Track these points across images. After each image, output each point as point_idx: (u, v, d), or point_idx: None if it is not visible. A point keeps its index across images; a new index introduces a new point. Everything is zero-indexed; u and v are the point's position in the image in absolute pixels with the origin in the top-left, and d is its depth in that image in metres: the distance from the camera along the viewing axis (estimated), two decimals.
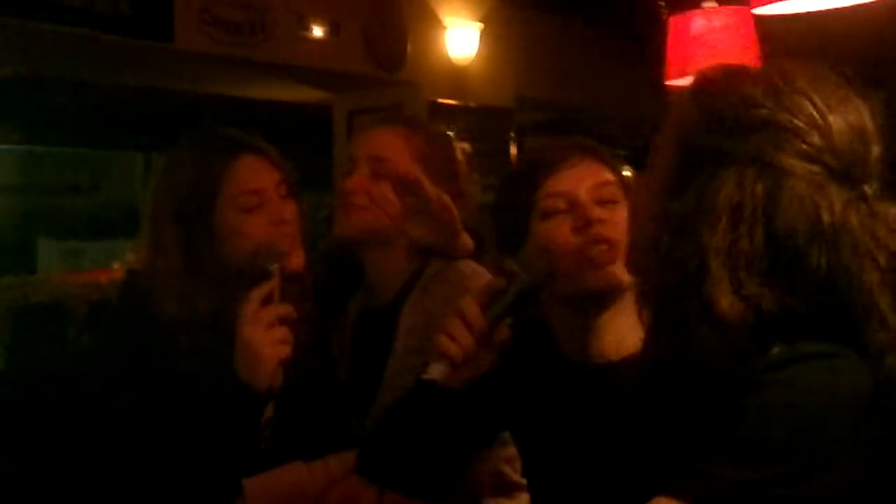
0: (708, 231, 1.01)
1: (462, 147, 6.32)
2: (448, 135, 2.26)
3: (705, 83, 1.12)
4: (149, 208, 1.79)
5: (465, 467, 1.68)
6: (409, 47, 5.96)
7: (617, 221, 1.45)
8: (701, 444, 1.00)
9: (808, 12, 2.71)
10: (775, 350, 1.00)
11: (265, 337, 1.60)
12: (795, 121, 1.03)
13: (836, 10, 2.65)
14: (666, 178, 1.09)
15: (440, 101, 6.19)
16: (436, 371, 1.34)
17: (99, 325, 1.81)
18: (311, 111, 6.75)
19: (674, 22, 3.27)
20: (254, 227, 1.74)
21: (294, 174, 1.84)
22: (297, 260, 1.76)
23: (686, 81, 3.26)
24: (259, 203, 1.75)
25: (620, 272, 1.44)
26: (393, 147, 1.91)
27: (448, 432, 1.50)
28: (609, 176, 1.49)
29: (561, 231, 1.44)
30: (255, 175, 1.77)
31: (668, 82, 3.38)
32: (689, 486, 0.99)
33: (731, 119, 1.05)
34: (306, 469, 1.67)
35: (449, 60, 6.23)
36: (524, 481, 1.73)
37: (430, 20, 6.15)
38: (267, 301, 1.62)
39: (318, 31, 5.47)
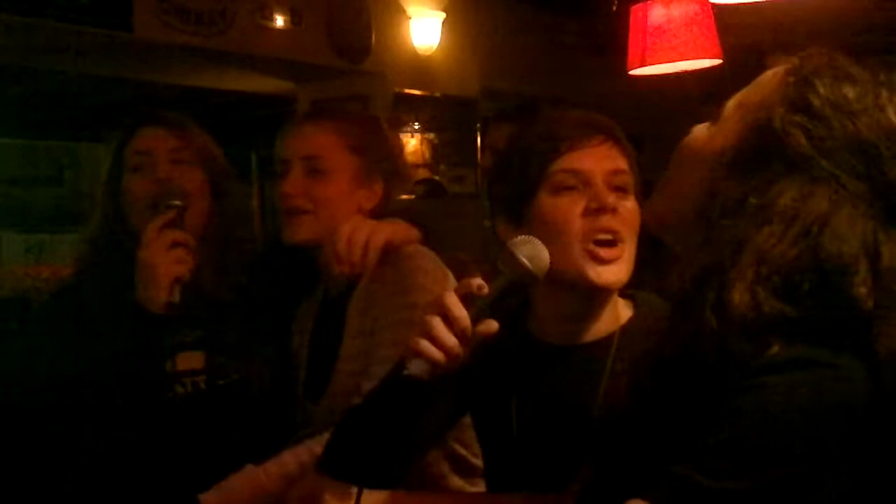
0: (754, 228, 0.98)
1: (428, 138, 6.31)
2: (377, 117, 2.25)
3: (809, 70, 1.04)
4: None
5: (427, 453, 1.68)
6: (372, 37, 5.93)
7: (627, 213, 1.43)
8: (684, 443, 0.97)
9: (768, 2, 2.73)
10: (773, 350, 0.96)
11: (162, 257, 1.78)
12: (881, 145, 0.99)
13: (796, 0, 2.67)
14: (732, 153, 1.04)
15: (405, 91, 6.17)
16: (416, 367, 1.29)
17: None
18: (274, 101, 6.70)
19: (634, 11, 3.28)
20: (137, 185, 1.94)
21: (202, 144, 2.01)
22: (187, 219, 1.89)
23: (647, 71, 3.28)
24: (142, 164, 1.95)
25: (620, 273, 1.42)
26: (327, 143, 1.91)
27: (419, 423, 1.50)
28: (624, 164, 1.47)
29: (571, 210, 1.42)
30: (145, 140, 1.97)
31: (630, 71, 3.39)
32: (669, 493, 0.96)
33: (822, 125, 0.99)
34: (261, 472, 1.67)
35: (413, 50, 6.21)
36: (481, 465, 1.74)
37: (393, 10, 6.11)
38: (166, 228, 1.81)
39: (279, 21, 5.43)
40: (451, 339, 1.29)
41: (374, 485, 1.44)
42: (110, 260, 1.89)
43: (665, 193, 1.20)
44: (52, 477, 1.75)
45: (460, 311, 1.29)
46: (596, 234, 1.41)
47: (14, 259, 7.22)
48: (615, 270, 1.41)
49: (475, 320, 1.30)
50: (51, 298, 2.04)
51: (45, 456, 1.74)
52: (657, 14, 3.15)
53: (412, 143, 6.28)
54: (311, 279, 2.04)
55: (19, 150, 8.37)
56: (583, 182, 1.43)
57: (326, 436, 1.61)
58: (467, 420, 1.68)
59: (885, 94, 1.02)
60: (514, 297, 1.47)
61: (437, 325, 1.29)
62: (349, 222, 1.80)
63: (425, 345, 1.28)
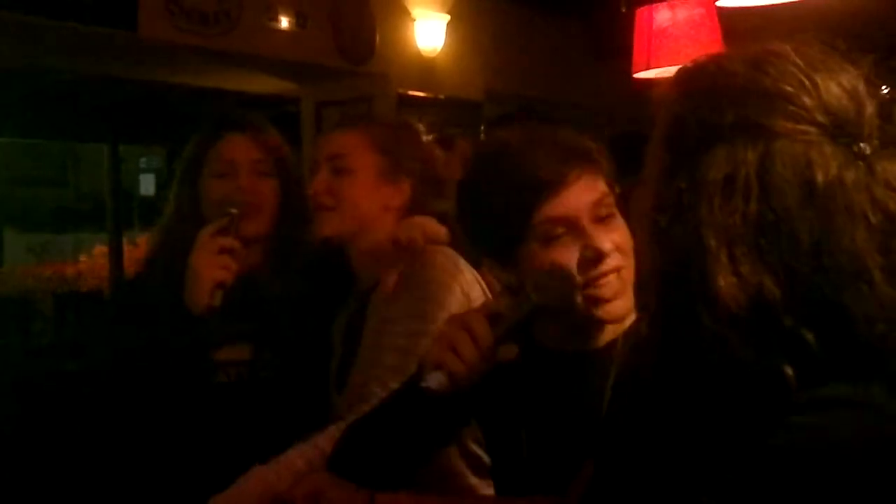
0: (705, 207, 0.94)
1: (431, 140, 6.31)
2: (410, 124, 2.29)
3: (686, 69, 1.05)
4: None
5: (436, 457, 1.68)
6: (377, 39, 5.93)
7: (620, 240, 1.39)
8: (702, 469, 0.93)
9: (774, 5, 2.73)
10: (801, 393, 0.90)
11: (207, 261, 1.87)
12: (781, 84, 0.96)
13: (803, 3, 2.67)
14: (659, 170, 1.02)
15: (409, 93, 6.17)
16: (434, 381, 1.28)
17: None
18: (279, 102, 6.71)
19: (639, 14, 3.28)
20: (218, 190, 2.03)
21: (280, 155, 2.11)
22: (254, 226, 2.02)
23: (652, 74, 3.28)
24: (228, 172, 2.03)
25: (627, 302, 1.39)
26: (352, 143, 1.97)
27: (431, 430, 1.50)
28: (604, 186, 1.41)
29: (566, 262, 1.36)
30: (231, 149, 2.06)
31: (635, 75, 3.38)
32: None
33: (714, 91, 0.98)
34: (271, 472, 1.67)
35: (417, 52, 6.21)
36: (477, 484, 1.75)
37: (398, 12, 6.12)
38: (218, 234, 1.90)
39: (285, 22, 5.43)
40: (474, 356, 1.28)
41: (382, 486, 1.44)
42: (180, 254, 1.95)
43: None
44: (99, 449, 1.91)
45: (484, 330, 1.28)
46: (597, 280, 1.37)
47: (16, 258, 7.24)
48: (621, 305, 1.38)
49: (499, 341, 1.29)
50: (126, 285, 2.25)
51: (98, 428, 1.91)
52: (662, 17, 3.15)
53: None
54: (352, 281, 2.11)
55: (23, 149, 8.39)
56: (571, 227, 1.37)
57: (333, 431, 1.63)
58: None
59: (767, 55, 1.00)
60: (538, 320, 1.43)
61: (462, 339, 1.28)
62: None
63: (449, 358, 1.27)
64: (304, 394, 2.00)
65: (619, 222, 1.41)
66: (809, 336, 0.90)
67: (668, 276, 0.97)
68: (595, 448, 1.31)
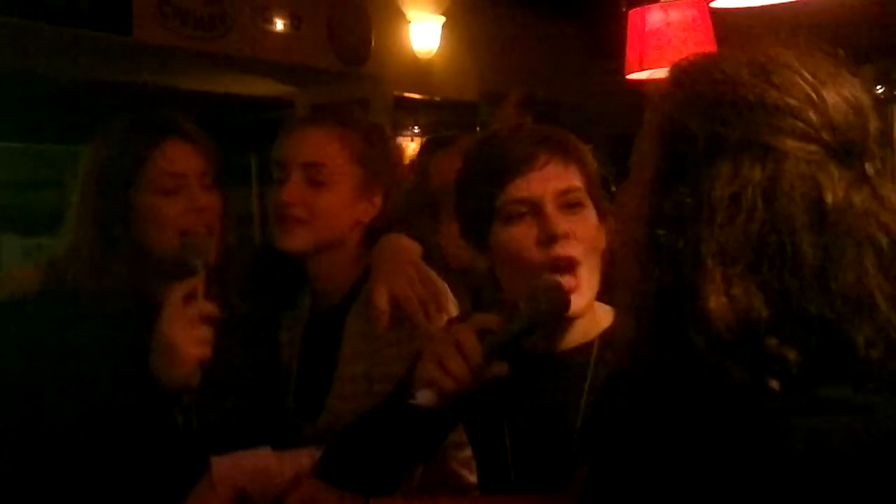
0: (705, 225, 0.92)
1: None
2: (381, 126, 2.18)
3: (685, 69, 1.02)
4: (77, 186, 1.80)
5: (423, 461, 1.68)
6: (372, 41, 5.94)
7: (582, 233, 1.40)
8: (693, 477, 0.93)
9: (768, 6, 2.73)
10: (790, 395, 0.89)
11: (186, 335, 1.58)
12: (788, 98, 0.94)
13: (796, 3, 2.67)
14: (653, 175, 0.99)
15: (404, 94, 6.18)
16: (423, 397, 1.27)
17: (19, 315, 1.78)
18: (274, 105, 6.70)
19: (632, 15, 3.28)
20: (171, 211, 1.73)
21: (220, 165, 1.82)
22: (213, 253, 1.74)
23: (644, 75, 3.28)
24: (178, 187, 1.74)
25: (580, 300, 1.39)
26: (331, 152, 1.83)
27: (417, 441, 1.50)
28: (575, 180, 1.42)
29: (524, 240, 1.39)
30: (179, 159, 1.76)
31: (627, 76, 3.39)
32: None
33: (721, 101, 0.95)
34: (275, 457, 1.64)
35: (413, 54, 6.22)
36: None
37: (393, 13, 6.13)
38: (189, 298, 1.61)
39: (280, 25, 5.44)
40: (463, 373, 1.27)
41: (370, 492, 1.45)
42: (108, 289, 1.72)
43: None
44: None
45: (474, 347, 1.28)
46: (552, 263, 1.38)
47: (13, 262, 7.21)
48: (578, 300, 1.38)
49: (488, 357, 1.28)
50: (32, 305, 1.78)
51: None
52: (655, 18, 3.16)
53: (411, 146, 6.29)
54: (295, 287, 1.98)
55: (19, 153, 8.37)
56: (533, 209, 1.39)
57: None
58: (465, 438, 1.68)
59: (772, 65, 0.97)
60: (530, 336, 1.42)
61: (452, 356, 1.27)
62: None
63: (439, 374, 1.26)
64: (261, 422, 1.81)
65: (588, 215, 1.42)
66: (792, 355, 0.89)
67: (661, 287, 0.95)
68: (582, 446, 1.32)
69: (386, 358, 1.77)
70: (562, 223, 1.38)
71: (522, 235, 1.39)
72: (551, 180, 1.40)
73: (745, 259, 0.91)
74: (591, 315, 1.48)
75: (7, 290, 1.94)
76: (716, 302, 0.90)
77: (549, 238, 1.37)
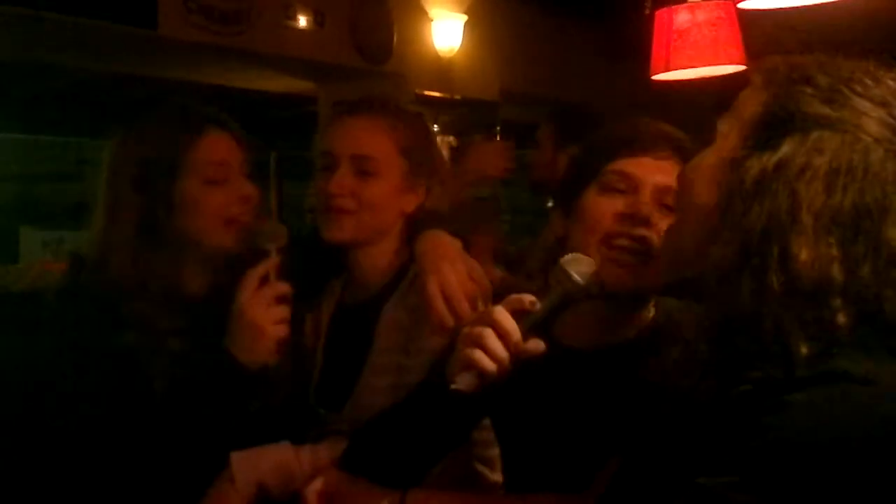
0: (804, 186, 0.97)
1: (447, 140, 6.31)
2: (423, 115, 2.18)
3: (789, 61, 1.08)
4: (105, 176, 1.80)
5: (450, 453, 1.68)
6: (394, 39, 5.94)
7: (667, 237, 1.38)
8: (710, 449, 0.94)
9: (794, 7, 2.71)
10: (806, 365, 0.92)
11: (267, 315, 1.64)
12: (881, 91, 1.02)
13: (822, 4, 2.65)
14: (741, 145, 1.04)
15: (425, 93, 6.18)
16: (464, 381, 1.27)
17: (45, 310, 1.82)
18: (295, 101, 6.72)
19: (658, 16, 3.27)
20: (216, 200, 1.76)
21: (253, 157, 1.86)
22: (284, 238, 1.74)
23: (670, 76, 3.26)
24: (224, 177, 1.77)
25: (640, 279, 1.40)
26: (377, 143, 1.85)
27: (450, 430, 1.50)
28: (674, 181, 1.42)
29: (608, 210, 1.41)
30: (223, 149, 1.79)
31: (653, 77, 3.37)
32: None
33: (833, 87, 1.02)
34: (294, 452, 1.65)
35: (434, 52, 6.22)
36: (500, 480, 1.73)
37: (415, 12, 6.13)
38: (264, 281, 1.66)
39: (303, 21, 5.45)
40: (503, 352, 1.26)
41: (397, 484, 1.44)
42: (154, 274, 1.72)
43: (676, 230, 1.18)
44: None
45: (512, 326, 1.27)
46: (622, 238, 1.39)
47: (32, 254, 7.26)
48: (631, 278, 1.39)
49: (525, 336, 1.28)
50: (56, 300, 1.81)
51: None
52: (682, 18, 3.13)
53: None
54: (322, 279, 2.00)
55: (40, 146, 8.43)
56: (631, 188, 1.41)
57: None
58: (491, 437, 1.68)
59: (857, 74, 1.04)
60: (562, 311, 1.43)
61: (490, 336, 1.27)
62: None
63: (479, 356, 1.26)
64: (284, 405, 1.83)
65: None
66: (843, 320, 0.94)
67: (746, 246, 0.99)
68: (625, 447, 1.31)
69: (421, 350, 1.76)
70: (654, 212, 1.39)
71: (608, 205, 1.42)
72: (659, 172, 1.42)
73: (837, 225, 0.96)
74: (640, 313, 1.48)
75: (28, 282, 1.94)
76: (806, 254, 0.95)
77: (631, 214, 1.39)
